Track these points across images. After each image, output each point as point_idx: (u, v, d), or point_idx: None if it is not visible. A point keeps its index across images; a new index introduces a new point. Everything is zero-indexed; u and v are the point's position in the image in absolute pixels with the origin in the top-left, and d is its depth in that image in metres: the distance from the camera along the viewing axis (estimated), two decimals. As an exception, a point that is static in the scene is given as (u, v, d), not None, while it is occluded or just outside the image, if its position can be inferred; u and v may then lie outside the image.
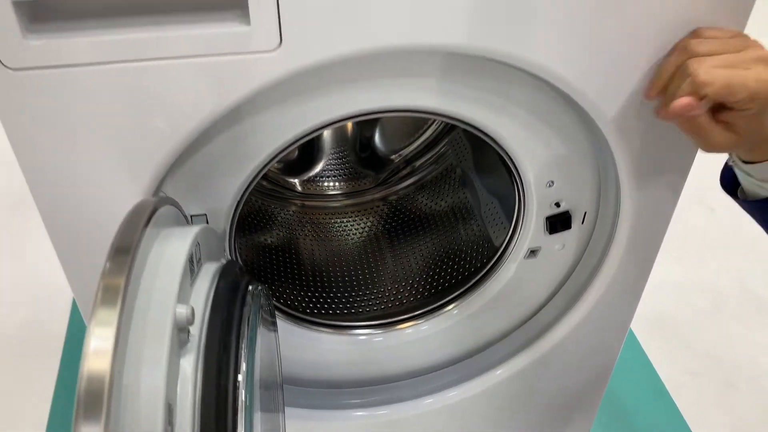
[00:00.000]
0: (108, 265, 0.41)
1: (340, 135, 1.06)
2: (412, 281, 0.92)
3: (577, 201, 0.74)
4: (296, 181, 1.07)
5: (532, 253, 0.78)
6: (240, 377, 0.45)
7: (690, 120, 0.53)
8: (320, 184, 1.08)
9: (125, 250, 0.42)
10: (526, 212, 0.74)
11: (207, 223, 0.66)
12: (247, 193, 0.66)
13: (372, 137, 1.06)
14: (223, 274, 0.52)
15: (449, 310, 0.83)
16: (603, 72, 0.58)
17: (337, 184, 1.08)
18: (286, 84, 0.54)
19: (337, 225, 1.06)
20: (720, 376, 1.29)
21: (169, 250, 0.47)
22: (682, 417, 1.21)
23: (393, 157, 1.07)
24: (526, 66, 0.57)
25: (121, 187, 0.56)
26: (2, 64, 0.48)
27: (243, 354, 0.46)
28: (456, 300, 0.82)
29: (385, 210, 1.06)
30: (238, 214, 0.67)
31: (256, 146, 0.62)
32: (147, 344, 0.40)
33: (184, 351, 0.43)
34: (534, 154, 0.69)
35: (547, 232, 0.76)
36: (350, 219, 1.06)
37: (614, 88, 0.59)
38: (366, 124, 1.05)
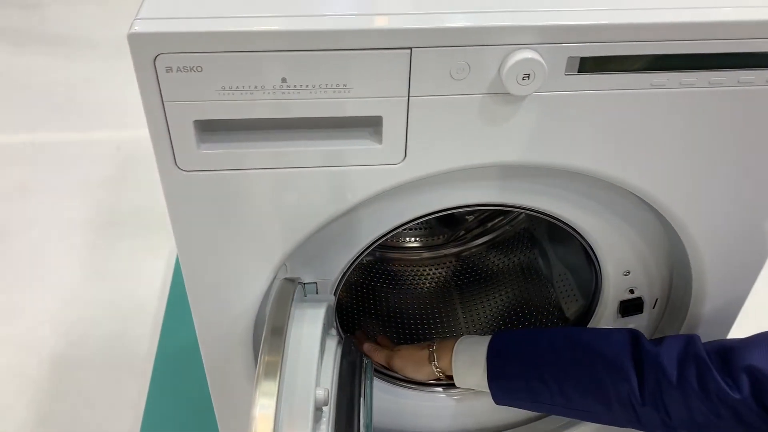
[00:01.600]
0: (265, 344, 0.49)
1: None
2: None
3: (651, 288, 0.80)
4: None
5: (604, 331, 0.84)
6: None
7: None
8: (398, 237, 1.16)
9: (278, 331, 0.50)
10: (602, 296, 0.80)
11: (316, 291, 0.74)
12: (353, 267, 0.74)
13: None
14: (344, 354, 0.60)
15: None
16: (699, 199, 0.65)
17: (414, 238, 1.16)
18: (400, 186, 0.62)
19: (411, 275, 1.13)
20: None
21: (306, 331, 0.55)
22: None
23: (468, 217, 1.15)
24: (628, 187, 0.64)
25: (257, 263, 0.65)
26: (177, 166, 0.57)
27: (362, 427, 0.54)
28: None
29: (458, 265, 1.14)
30: (343, 283, 0.76)
31: (365, 231, 0.70)
32: (294, 418, 0.48)
33: (318, 425, 0.51)
34: (614, 247, 0.75)
35: (619, 315, 0.82)
36: (424, 270, 1.14)
37: (707, 213, 0.67)
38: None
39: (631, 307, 0.81)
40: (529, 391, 0.73)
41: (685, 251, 0.73)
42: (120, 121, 1.97)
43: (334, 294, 0.76)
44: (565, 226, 0.74)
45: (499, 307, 1.05)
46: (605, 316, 0.82)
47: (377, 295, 1.08)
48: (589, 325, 0.84)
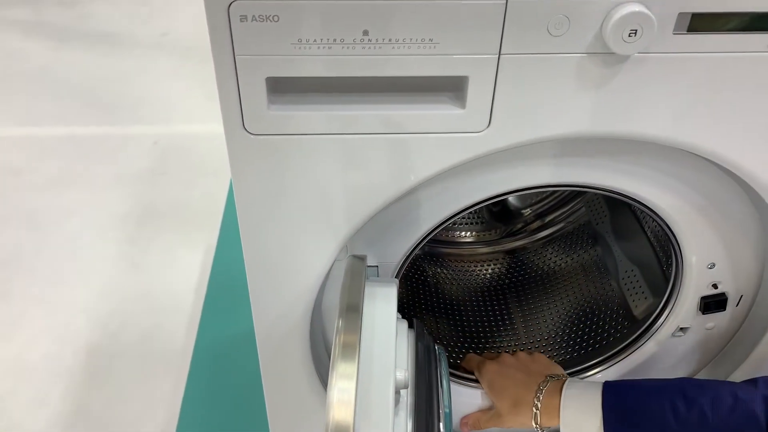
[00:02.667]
0: (341, 322, 0.45)
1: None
2: (545, 342, 0.94)
3: (736, 284, 0.74)
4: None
5: (681, 330, 0.78)
6: None
7: None
8: (450, 231, 1.11)
9: (355, 308, 0.46)
10: (681, 291, 0.75)
11: (377, 273, 0.70)
12: (415, 251, 0.70)
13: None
14: (418, 337, 0.55)
15: (592, 375, 0.83)
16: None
17: (465, 232, 1.10)
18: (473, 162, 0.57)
19: (463, 271, 1.08)
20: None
21: (380, 310, 0.51)
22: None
23: (524, 211, 1.09)
24: (731, 166, 0.58)
25: (320, 239, 0.60)
26: (245, 129, 0.53)
27: (442, 414, 0.49)
28: (597, 366, 0.83)
29: (513, 262, 1.08)
30: (405, 268, 0.71)
31: (433, 210, 0.65)
32: (373, 402, 0.44)
33: (397, 409, 0.46)
34: (700, 235, 0.69)
35: (699, 312, 0.76)
36: (477, 266, 1.09)
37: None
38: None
39: (712, 303, 0.75)
40: None
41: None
42: (158, 116, 1.95)
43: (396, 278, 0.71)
44: (649, 212, 0.68)
45: (559, 308, 0.99)
46: (682, 314, 0.76)
47: (427, 289, 1.03)
48: (664, 322, 0.78)
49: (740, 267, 0.72)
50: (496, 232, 1.10)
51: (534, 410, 0.73)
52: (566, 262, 1.03)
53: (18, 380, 1.28)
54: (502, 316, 1.00)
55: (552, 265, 1.05)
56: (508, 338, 0.96)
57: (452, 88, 0.53)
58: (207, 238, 1.55)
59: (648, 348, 0.80)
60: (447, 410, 0.49)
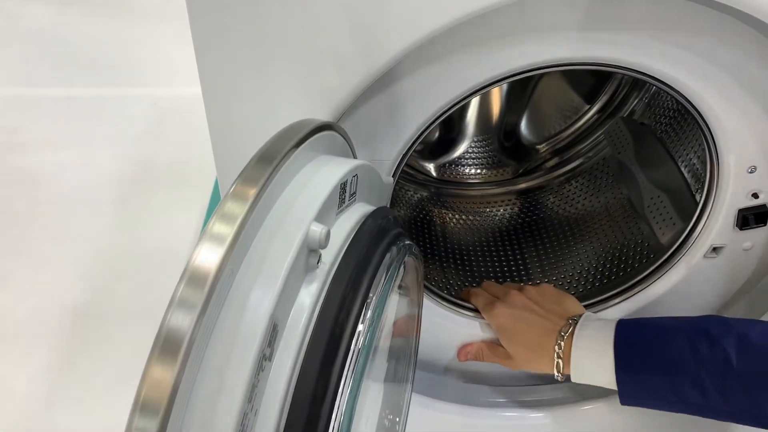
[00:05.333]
0: (250, 167, 0.37)
1: (484, 120, 1.01)
2: (562, 281, 0.85)
3: (779, 194, 0.65)
4: (431, 165, 1.03)
5: (714, 250, 0.69)
6: (362, 326, 0.39)
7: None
8: (457, 170, 1.03)
9: (269, 159, 0.38)
10: (716, 200, 0.66)
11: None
12: (412, 149, 0.62)
13: (518, 124, 1.01)
14: (375, 214, 0.46)
15: (610, 306, 0.75)
16: None
17: (474, 171, 1.02)
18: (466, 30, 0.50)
19: (472, 214, 1.00)
20: None
21: (322, 173, 0.42)
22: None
23: (539, 146, 1.01)
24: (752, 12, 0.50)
25: (296, 110, 0.53)
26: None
27: (372, 302, 0.40)
28: (615, 298, 0.75)
29: (525, 203, 1.00)
30: (401, 170, 0.63)
31: (431, 97, 0.58)
32: (271, 253, 0.35)
33: (311, 277, 0.38)
34: (740, 132, 0.61)
35: (737, 227, 0.67)
36: (487, 209, 1.01)
37: None
38: (513, 110, 0.99)
39: (751, 216, 0.66)
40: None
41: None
42: (158, 78, 1.90)
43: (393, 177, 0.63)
44: (682, 99, 0.60)
45: (580, 252, 0.90)
46: (716, 229, 0.67)
47: (434, 236, 0.94)
48: (696, 240, 0.69)
49: (785, 172, 0.64)
50: (508, 171, 1.02)
51: (556, 359, 0.65)
52: (589, 201, 0.95)
53: (4, 336, 1.22)
54: (516, 261, 0.92)
55: (573, 205, 0.96)
56: (522, 282, 0.87)
57: None
58: (202, 198, 1.49)
59: (677, 273, 0.71)
60: (379, 308, 0.39)
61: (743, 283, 0.72)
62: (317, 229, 0.37)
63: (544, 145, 1.00)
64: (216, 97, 0.54)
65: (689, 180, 0.75)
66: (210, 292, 0.31)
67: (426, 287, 0.74)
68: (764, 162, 0.63)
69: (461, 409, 0.74)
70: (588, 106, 0.97)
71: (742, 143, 0.61)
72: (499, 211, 1.00)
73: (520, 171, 1.02)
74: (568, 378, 0.65)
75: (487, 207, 1.01)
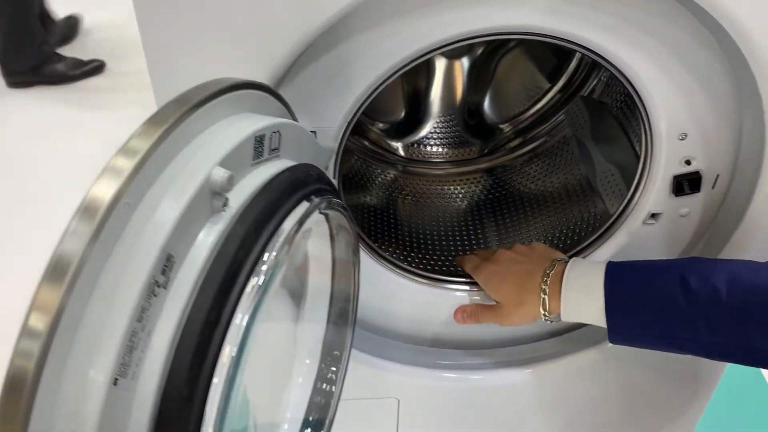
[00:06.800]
0: (163, 110, 0.39)
1: (448, 99, 1.03)
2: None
3: (711, 161, 0.67)
4: (399, 144, 1.05)
5: (653, 216, 0.71)
6: (264, 267, 0.40)
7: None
8: (423, 149, 1.05)
9: (182, 103, 0.40)
10: (651, 168, 0.68)
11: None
12: (357, 116, 0.64)
13: (482, 103, 1.03)
14: (295, 168, 0.48)
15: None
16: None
17: (441, 150, 1.04)
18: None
19: (438, 192, 1.02)
20: None
21: (238, 125, 0.44)
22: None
23: (503, 126, 1.03)
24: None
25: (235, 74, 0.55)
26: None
27: (276, 245, 0.41)
28: (562, 264, 0.77)
29: (490, 181, 1.02)
30: (346, 137, 0.65)
31: (376, 58, 0.60)
32: (171, 191, 0.37)
33: (216, 219, 0.40)
34: (669, 99, 0.63)
35: (672, 194, 0.69)
36: (452, 187, 1.03)
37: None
38: (476, 88, 1.01)
39: (686, 182, 0.68)
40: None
41: (761, 110, 0.60)
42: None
43: (338, 150, 0.65)
44: (612, 69, 0.62)
45: (538, 227, 0.92)
46: (653, 196, 0.69)
47: (399, 218, 0.96)
48: (634, 207, 0.71)
49: (714, 141, 0.66)
50: (474, 151, 1.04)
51: (542, 295, 0.65)
52: (550, 180, 0.96)
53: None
54: (477, 236, 0.94)
55: (534, 182, 0.98)
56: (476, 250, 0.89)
57: None
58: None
59: (619, 239, 0.73)
60: (283, 245, 0.40)
61: (683, 248, 0.74)
62: (219, 173, 0.39)
63: (507, 125, 1.02)
64: (159, 65, 0.56)
65: (639, 153, 0.77)
66: (102, 222, 0.33)
67: (380, 254, 0.77)
68: (695, 129, 0.65)
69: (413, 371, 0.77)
70: (549, 85, 0.99)
71: (672, 110, 0.63)
72: (464, 189, 1.02)
73: (486, 151, 1.04)
74: (556, 318, 0.66)
75: (452, 185, 1.03)
